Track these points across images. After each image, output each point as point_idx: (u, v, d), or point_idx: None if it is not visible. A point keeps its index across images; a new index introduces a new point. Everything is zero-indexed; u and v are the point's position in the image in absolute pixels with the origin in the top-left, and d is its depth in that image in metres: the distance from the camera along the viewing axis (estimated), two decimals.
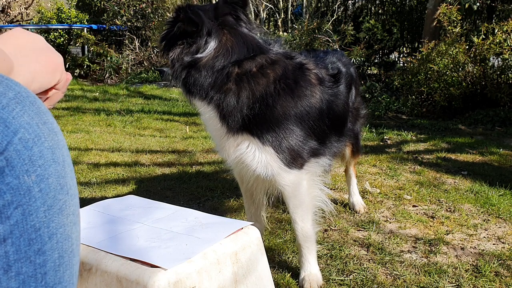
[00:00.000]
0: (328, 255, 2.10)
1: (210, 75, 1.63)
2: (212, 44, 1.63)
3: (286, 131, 1.70)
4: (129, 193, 2.81)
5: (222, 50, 1.65)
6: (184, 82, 1.66)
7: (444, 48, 5.27)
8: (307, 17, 7.59)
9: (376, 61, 8.28)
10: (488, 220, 2.51)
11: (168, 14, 8.31)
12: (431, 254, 2.11)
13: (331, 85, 1.89)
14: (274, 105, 1.67)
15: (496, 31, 5.16)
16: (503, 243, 2.25)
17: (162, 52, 1.71)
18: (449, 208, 2.69)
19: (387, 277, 1.92)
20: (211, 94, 1.65)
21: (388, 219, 2.53)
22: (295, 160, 1.74)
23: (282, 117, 1.69)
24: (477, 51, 5.23)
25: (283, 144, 1.70)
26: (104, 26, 9.71)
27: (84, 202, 2.45)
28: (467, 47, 5.33)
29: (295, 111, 1.71)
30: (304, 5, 7.85)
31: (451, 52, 5.22)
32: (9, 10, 13.00)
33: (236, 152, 1.73)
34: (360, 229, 2.40)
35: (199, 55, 1.63)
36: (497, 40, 5.06)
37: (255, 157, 1.70)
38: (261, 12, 8.16)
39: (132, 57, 9.14)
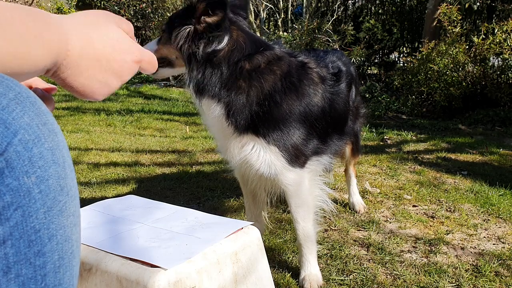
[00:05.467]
0: (328, 255, 2.10)
1: (225, 69, 1.61)
2: (226, 38, 1.62)
3: (290, 130, 1.71)
4: (129, 193, 2.80)
5: (236, 44, 1.64)
6: (197, 79, 1.63)
7: (444, 48, 5.27)
8: (307, 17, 7.58)
9: (376, 61, 8.27)
10: (488, 220, 2.51)
11: (168, 14, 8.31)
12: (431, 254, 2.11)
13: (332, 84, 1.91)
14: (281, 103, 1.68)
15: (496, 31, 5.16)
16: (503, 243, 2.25)
17: (181, 47, 1.61)
18: (449, 208, 2.69)
19: (387, 277, 1.92)
20: (222, 92, 1.63)
21: (388, 219, 2.53)
22: (298, 158, 1.75)
23: (287, 115, 1.70)
24: (477, 51, 5.23)
25: (287, 142, 1.71)
26: None
27: (84, 202, 2.44)
28: (467, 47, 5.34)
29: (299, 109, 1.72)
30: (304, 5, 7.84)
31: (451, 52, 5.22)
32: None
33: (241, 153, 1.73)
34: (360, 229, 2.40)
35: (218, 47, 1.61)
36: (497, 40, 5.06)
37: (259, 157, 1.71)
38: (261, 12, 8.16)
39: None
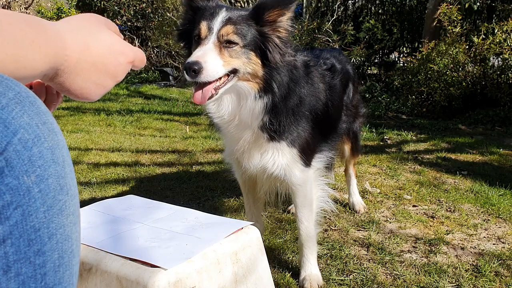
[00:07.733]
0: (328, 255, 2.09)
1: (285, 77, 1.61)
2: None
3: (305, 129, 1.73)
4: (129, 193, 2.80)
5: None
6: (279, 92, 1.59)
7: (444, 48, 5.26)
8: (307, 17, 7.58)
9: (376, 61, 8.28)
10: (488, 220, 2.51)
11: (168, 14, 8.30)
12: (431, 254, 2.11)
13: (329, 80, 1.94)
14: (305, 104, 1.70)
15: (496, 31, 5.16)
16: (503, 243, 2.25)
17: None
18: (449, 208, 2.69)
19: (387, 277, 1.92)
20: (280, 103, 1.60)
21: (388, 219, 2.53)
22: (308, 157, 1.77)
23: (305, 115, 1.72)
24: (477, 51, 5.23)
25: (303, 143, 1.73)
26: None
27: (84, 202, 2.45)
28: (467, 47, 5.34)
29: (312, 108, 1.75)
30: (304, 5, 7.84)
31: (451, 52, 5.22)
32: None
33: (262, 160, 1.72)
34: (360, 229, 2.40)
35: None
36: (497, 40, 5.06)
37: (275, 161, 1.71)
38: None
39: None
